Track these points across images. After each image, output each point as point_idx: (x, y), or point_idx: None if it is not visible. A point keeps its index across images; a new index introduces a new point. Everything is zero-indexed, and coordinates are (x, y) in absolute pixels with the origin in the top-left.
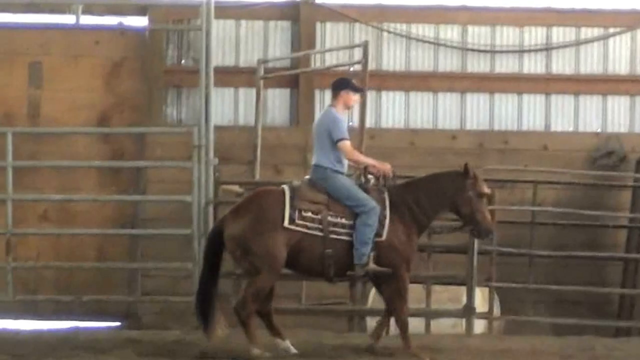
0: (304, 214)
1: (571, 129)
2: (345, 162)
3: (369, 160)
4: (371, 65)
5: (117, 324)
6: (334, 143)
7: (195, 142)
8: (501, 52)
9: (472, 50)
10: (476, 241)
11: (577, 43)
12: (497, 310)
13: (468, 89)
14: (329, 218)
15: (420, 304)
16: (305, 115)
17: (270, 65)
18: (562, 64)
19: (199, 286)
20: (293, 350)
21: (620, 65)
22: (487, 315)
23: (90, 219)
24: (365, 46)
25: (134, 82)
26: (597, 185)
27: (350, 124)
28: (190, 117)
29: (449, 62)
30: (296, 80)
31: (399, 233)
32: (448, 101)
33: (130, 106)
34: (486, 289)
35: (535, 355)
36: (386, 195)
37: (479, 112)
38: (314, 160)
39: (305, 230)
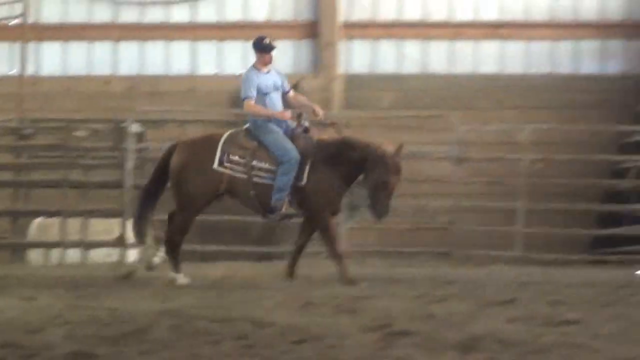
0: (231, 157)
1: (216, 71)
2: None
3: (269, 112)
4: (31, 19)
5: None
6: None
7: None
8: (151, 3)
9: (122, 2)
10: (130, 176)
11: None
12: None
13: (121, 37)
14: (254, 162)
15: (77, 236)
16: None
17: None
18: (206, 13)
19: (139, 202)
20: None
21: (259, 12)
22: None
23: None
24: (25, 0)
25: None
26: (240, 123)
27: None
28: None
29: (104, 14)
30: None
31: (318, 180)
32: (102, 49)
33: None
34: None
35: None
36: (312, 144)
37: (130, 59)
38: None
39: (231, 173)
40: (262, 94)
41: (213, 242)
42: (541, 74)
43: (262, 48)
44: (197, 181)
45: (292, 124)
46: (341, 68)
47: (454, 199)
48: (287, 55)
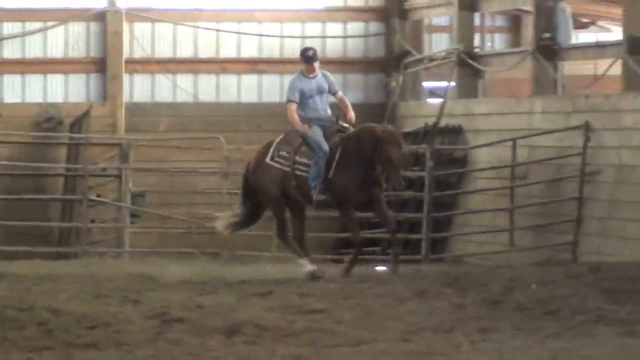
0: (280, 152)
1: (20, 100)
2: (318, 113)
3: (295, 122)
4: None
5: None
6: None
7: None
8: None
9: None
10: None
11: (23, 34)
12: None
13: None
14: (296, 157)
15: None
16: None
17: None
18: (11, 50)
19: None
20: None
21: (57, 50)
22: None
23: None
24: None
25: None
26: (41, 143)
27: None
28: None
29: None
30: None
31: (342, 174)
32: None
33: None
34: None
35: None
36: (340, 142)
37: None
38: None
39: (279, 167)
40: (306, 97)
41: (18, 244)
42: None
43: (305, 59)
44: (258, 173)
45: (329, 122)
46: (125, 97)
47: (222, 207)
48: (80, 86)
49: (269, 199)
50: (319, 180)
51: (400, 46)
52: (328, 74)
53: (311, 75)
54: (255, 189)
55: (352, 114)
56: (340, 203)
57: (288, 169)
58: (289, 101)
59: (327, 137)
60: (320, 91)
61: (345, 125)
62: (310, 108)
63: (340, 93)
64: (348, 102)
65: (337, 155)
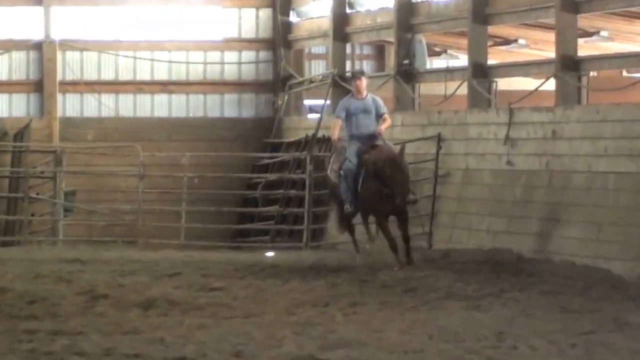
0: (333, 167)
1: None
2: (360, 130)
3: (333, 134)
4: None
5: None
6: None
7: None
8: None
9: None
10: None
11: None
12: None
13: None
14: (340, 172)
15: None
16: None
17: None
18: None
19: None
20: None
21: (2, 73)
22: None
23: None
24: None
25: None
26: None
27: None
28: None
29: None
30: None
31: (365, 188)
32: None
33: None
34: None
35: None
36: (365, 158)
37: None
38: None
39: (332, 179)
40: (350, 115)
41: None
42: (197, 117)
43: (352, 76)
44: (326, 180)
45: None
46: (59, 113)
47: (138, 204)
48: (21, 104)
49: (333, 201)
50: (347, 192)
51: (285, 70)
52: (377, 98)
53: (359, 97)
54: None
55: (381, 127)
56: (365, 213)
57: (336, 181)
58: (336, 117)
59: (361, 153)
60: (366, 111)
61: (377, 142)
62: (354, 125)
63: (386, 115)
64: (388, 121)
65: (362, 172)
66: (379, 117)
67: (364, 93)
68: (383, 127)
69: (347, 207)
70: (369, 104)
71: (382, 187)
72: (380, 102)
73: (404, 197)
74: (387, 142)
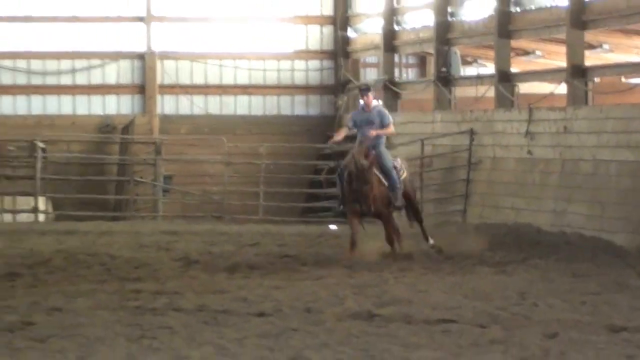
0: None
1: (87, 113)
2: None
3: (335, 137)
4: None
5: None
6: None
7: None
8: None
9: None
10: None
11: (89, 68)
12: (50, 208)
13: None
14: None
15: (8, 206)
16: None
17: None
18: (80, 79)
19: None
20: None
21: (112, 79)
22: (46, 212)
23: None
24: None
25: None
26: (102, 142)
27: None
28: None
29: None
30: None
31: (375, 186)
32: None
33: None
34: (44, 197)
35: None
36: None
37: None
38: None
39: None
40: (357, 126)
41: (87, 210)
42: (272, 114)
43: (359, 91)
44: None
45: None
46: (158, 111)
47: (224, 186)
48: (127, 103)
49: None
50: (339, 192)
51: (344, 76)
52: (384, 110)
53: (367, 110)
54: None
55: (372, 132)
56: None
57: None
58: (345, 125)
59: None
60: (369, 123)
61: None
62: (359, 134)
63: (390, 125)
64: (387, 130)
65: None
66: (384, 127)
67: (371, 106)
68: (374, 132)
69: (337, 207)
70: (373, 116)
71: (349, 189)
72: (385, 113)
73: (364, 203)
74: (384, 149)
